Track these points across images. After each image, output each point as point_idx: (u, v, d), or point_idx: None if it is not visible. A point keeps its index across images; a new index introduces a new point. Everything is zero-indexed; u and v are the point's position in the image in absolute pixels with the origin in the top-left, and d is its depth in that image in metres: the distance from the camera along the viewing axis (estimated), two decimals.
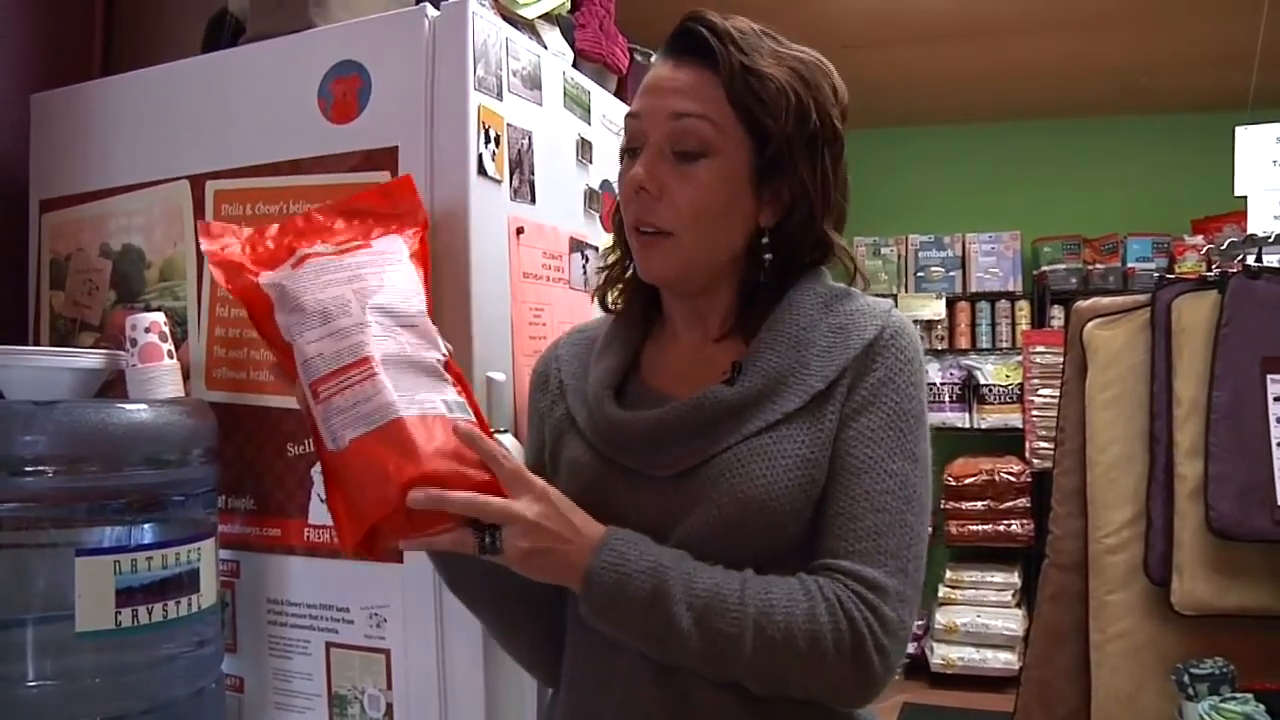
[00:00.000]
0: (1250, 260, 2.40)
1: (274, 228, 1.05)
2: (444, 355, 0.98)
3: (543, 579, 0.92)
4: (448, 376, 0.97)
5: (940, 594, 4.34)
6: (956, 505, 4.35)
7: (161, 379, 1.34)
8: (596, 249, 1.65)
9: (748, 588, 0.89)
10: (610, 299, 1.12)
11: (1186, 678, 2.17)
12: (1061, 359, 2.55)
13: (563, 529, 0.90)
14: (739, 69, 0.95)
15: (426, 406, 0.91)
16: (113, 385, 1.43)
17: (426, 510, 0.86)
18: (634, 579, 0.89)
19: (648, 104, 0.98)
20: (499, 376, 1.35)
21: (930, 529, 0.99)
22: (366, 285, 0.97)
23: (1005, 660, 4.12)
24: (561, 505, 0.91)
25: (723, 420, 0.95)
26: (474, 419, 0.95)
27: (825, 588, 0.90)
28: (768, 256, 1.00)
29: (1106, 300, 2.50)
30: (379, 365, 0.91)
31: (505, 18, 1.54)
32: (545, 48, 1.65)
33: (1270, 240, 2.45)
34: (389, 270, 1.00)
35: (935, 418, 3.95)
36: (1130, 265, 4.55)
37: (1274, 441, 2.20)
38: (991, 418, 4.57)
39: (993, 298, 4.79)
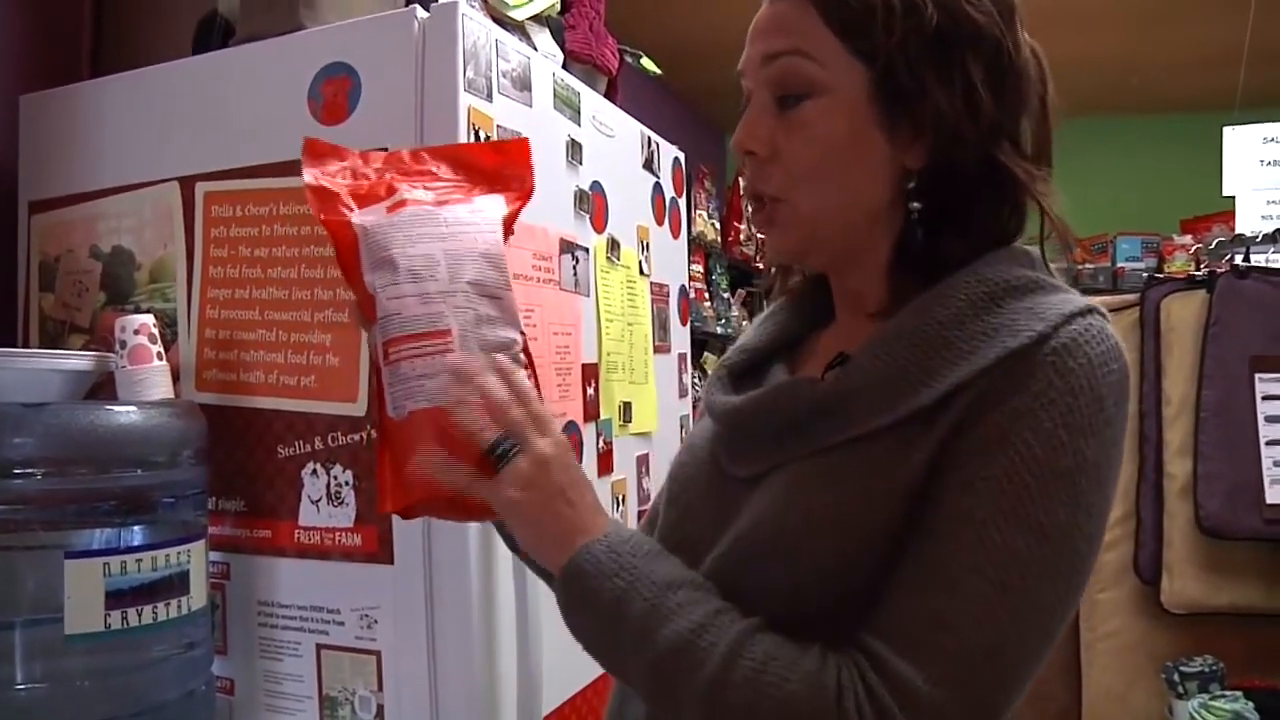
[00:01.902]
0: (1238, 259, 2.42)
1: (379, 157, 1.00)
2: (521, 336, 0.93)
3: (529, 545, 0.82)
4: (522, 359, 0.92)
5: None
6: None
7: (151, 381, 1.34)
8: (587, 250, 1.65)
9: (735, 649, 0.69)
10: (788, 284, 0.98)
11: (1176, 676, 2.18)
12: None
13: (566, 487, 0.79)
14: None
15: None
16: (102, 387, 1.42)
17: (470, 497, 0.84)
18: (602, 592, 0.75)
19: (746, 56, 0.84)
20: None
21: (1049, 645, 0.70)
22: (459, 247, 0.92)
23: None
24: (573, 471, 0.81)
25: (804, 421, 0.77)
26: None
27: (830, 672, 0.68)
28: (916, 205, 0.79)
29: (1096, 299, 2.52)
30: (456, 340, 0.88)
31: (495, 19, 1.54)
32: (535, 49, 1.65)
33: (1258, 240, 2.47)
34: (483, 234, 0.95)
35: None
36: (1120, 265, 4.56)
37: (1263, 440, 2.22)
38: None
39: None
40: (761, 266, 4.87)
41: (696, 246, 4.03)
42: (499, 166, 1.02)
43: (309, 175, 0.94)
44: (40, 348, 1.62)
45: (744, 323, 4.63)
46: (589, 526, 0.78)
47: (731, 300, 4.55)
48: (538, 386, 0.92)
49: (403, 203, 0.94)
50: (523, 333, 0.93)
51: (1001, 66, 0.77)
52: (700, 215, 4.15)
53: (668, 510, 0.92)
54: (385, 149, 1.32)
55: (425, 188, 0.97)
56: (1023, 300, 0.74)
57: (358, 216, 0.92)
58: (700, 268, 4.13)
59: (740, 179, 4.64)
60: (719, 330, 4.27)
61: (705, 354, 4.14)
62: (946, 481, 0.70)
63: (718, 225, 4.43)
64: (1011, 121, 0.79)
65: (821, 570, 0.73)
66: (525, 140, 1.04)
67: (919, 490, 0.71)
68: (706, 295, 4.18)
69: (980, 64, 0.76)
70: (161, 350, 1.38)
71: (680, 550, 0.84)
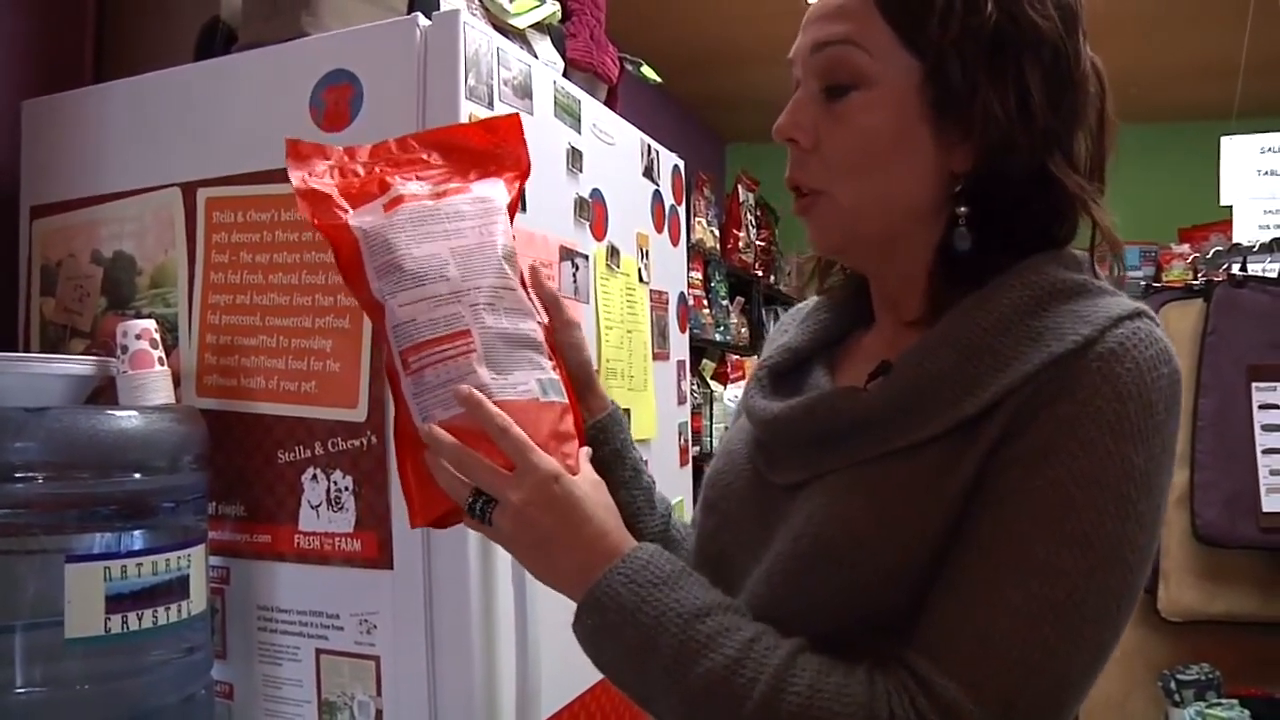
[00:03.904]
0: (1235, 269, 2.43)
1: (365, 150, 0.96)
2: (540, 326, 0.90)
3: (543, 582, 0.81)
4: (545, 348, 0.89)
5: None
6: None
7: (152, 386, 1.34)
8: (586, 258, 1.66)
9: (776, 683, 0.67)
10: (827, 284, 0.96)
11: (1173, 684, 2.18)
12: None
13: (556, 530, 0.77)
14: None
15: (521, 389, 0.84)
16: (102, 392, 1.43)
17: None
18: (625, 629, 0.72)
19: (798, 43, 0.81)
20: None
21: (1102, 659, 0.69)
22: (466, 244, 0.88)
23: None
24: (569, 502, 0.77)
25: (846, 432, 0.75)
26: (566, 400, 0.88)
27: (881, 701, 0.66)
28: (962, 210, 0.77)
29: None
30: (477, 340, 0.84)
31: (496, 27, 1.55)
32: (536, 57, 1.66)
33: (1255, 249, 2.48)
34: (488, 224, 0.91)
35: None
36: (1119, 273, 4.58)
37: (1259, 449, 2.22)
38: None
39: None
40: (760, 274, 4.89)
41: (695, 254, 4.04)
42: (492, 146, 0.98)
43: (296, 178, 0.91)
44: (41, 352, 1.62)
45: (743, 330, 4.64)
46: (596, 559, 0.76)
47: (730, 307, 4.56)
48: (564, 374, 0.90)
49: (399, 199, 0.90)
50: (540, 322, 0.90)
51: (1060, 75, 0.76)
52: (699, 222, 4.17)
53: (705, 518, 0.91)
54: None
55: (419, 178, 0.93)
56: (1068, 304, 0.72)
57: (354, 218, 0.89)
58: (699, 275, 4.14)
59: (740, 187, 4.65)
60: (717, 337, 4.28)
61: (704, 360, 4.15)
62: (991, 492, 0.68)
63: (717, 233, 4.44)
64: (1066, 133, 0.77)
65: (865, 584, 0.71)
66: (516, 116, 1.00)
67: (964, 503, 0.69)
68: (705, 302, 4.19)
69: (1038, 70, 0.74)
70: (163, 355, 1.38)
71: (720, 560, 0.83)
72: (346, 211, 0.89)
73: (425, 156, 0.96)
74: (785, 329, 0.97)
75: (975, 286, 0.75)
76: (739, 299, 4.71)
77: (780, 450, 0.82)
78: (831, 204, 0.79)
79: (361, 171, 0.93)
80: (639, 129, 1.96)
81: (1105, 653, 0.68)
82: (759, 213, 4.93)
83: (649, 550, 0.77)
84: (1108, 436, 0.67)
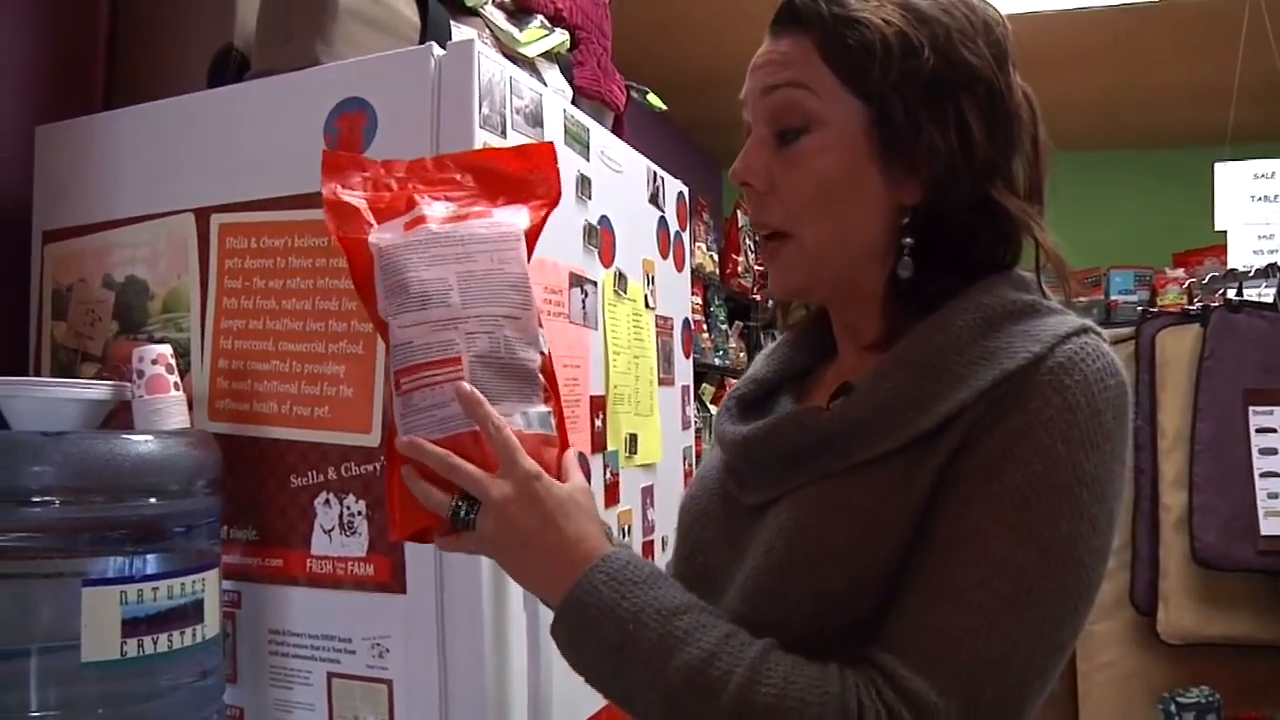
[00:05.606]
0: (1231, 294, 2.45)
1: (402, 166, 0.97)
2: (541, 355, 0.91)
3: (526, 588, 0.84)
4: (540, 382, 0.90)
5: None
6: None
7: (168, 411, 1.36)
8: (595, 284, 1.67)
9: (751, 675, 0.70)
10: (790, 319, 1.01)
11: (1173, 707, 2.19)
12: None
13: (538, 528, 0.79)
14: (829, 19, 0.80)
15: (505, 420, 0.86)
16: (115, 416, 1.43)
17: None
18: (604, 625, 0.75)
19: (747, 88, 0.86)
20: None
21: (1060, 656, 0.73)
22: (474, 269, 0.90)
23: None
24: (551, 502, 0.80)
25: (811, 450, 0.79)
26: (554, 433, 0.89)
27: (851, 693, 0.69)
28: (907, 241, 0.81)
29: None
30: (467, 368, 0.86)
31: (506, 55, 1.57)
32: (546, 85, 1.68)
33: (1250, 275, 2.50)
34: (502, 250, 0.92)
35: None
36: (1114, 298, 4.61)
37: (1256, 472, 2.24)
38: None
39: None
40: (759, 298, 4.91)
41: (695, 278, 4.05)
42: (524, 172, 1.00)
43: (327, 190, 0.93)
44: (52, 375, 1.63)
45: (741, 354, 4.65)
46: (577, 559, 0.78)
47: (729, 332, 4.57)
48: (558, 406, 0.91)
49: (421, 219, 0.91)
50: (543, 352, 0.91)
51: (995, 108, 0.80)
52: (699, 247, 4.18)
53: (680, 544, 0.94)
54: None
55: (446, 199, 0.95)
56: (1019, 324, 0.77)
57: (375, 235, 0.90)
58: (699, 299, 4.16)
59: (739, 211, 4.68)
60: (717, 362, 4.29)
61: (703, 384, 4.16)
62: (951, 499, 0.72)
63: (716, 257, 4.46)
64: (1004, 161, 0.82)
65: (834, 591, 0.74)
66: (550, 145, 1.02)
67: (925, 511, 0.73)
68: (705, 327, 4.20)
69: (975, 106, 0.79)
70: (178, 380, 1.39)
71: (696, 581, 0.85)
72: (370, 226, 0.91)
73: (458, 177, 0.98)
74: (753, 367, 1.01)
75: (929, 309, 0.80)
76: (738, 323, 4.73)
77: (749, 471, 0.86)
78: (798, 247, 0.83)
79: (395, 186, 0.95)
80: (640, 154, 1.98)
81: (1064, 650, 0.72)
82: (757, 237, 4.94)
83: (627, 553, 0.80)
84: (1060, 444, 0.70)
